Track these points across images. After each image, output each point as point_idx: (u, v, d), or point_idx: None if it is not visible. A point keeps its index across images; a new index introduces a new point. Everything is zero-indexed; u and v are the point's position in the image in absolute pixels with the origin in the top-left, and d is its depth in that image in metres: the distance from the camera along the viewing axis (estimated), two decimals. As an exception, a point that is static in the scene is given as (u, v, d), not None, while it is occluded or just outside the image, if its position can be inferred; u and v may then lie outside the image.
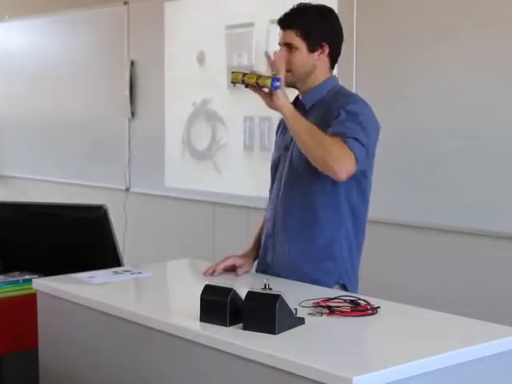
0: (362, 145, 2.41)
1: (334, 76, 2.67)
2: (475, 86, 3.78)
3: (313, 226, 2.54)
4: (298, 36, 2.53)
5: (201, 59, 5.30)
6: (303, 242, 2.56)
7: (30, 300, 2.62)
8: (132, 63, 5.80)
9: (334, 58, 2.62)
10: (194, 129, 5.41)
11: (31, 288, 2.63)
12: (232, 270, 2.64)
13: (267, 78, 2.39)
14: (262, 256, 2.70)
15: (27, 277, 2.84)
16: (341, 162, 2.36)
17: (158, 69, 5.60)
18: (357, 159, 2.39)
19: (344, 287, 2.55)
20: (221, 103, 5.20)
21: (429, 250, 4.03)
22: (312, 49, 2.55)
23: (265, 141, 4.85)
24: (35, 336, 2.55)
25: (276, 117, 4.83)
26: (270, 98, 2.40)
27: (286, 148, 2.61)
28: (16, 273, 2.90)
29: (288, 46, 2.55)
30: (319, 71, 2.58)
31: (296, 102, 2.63)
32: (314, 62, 2.56)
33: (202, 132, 5.33)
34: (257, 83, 2.40)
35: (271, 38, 4.68)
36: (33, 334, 2.56)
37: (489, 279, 3.80)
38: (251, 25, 4.88)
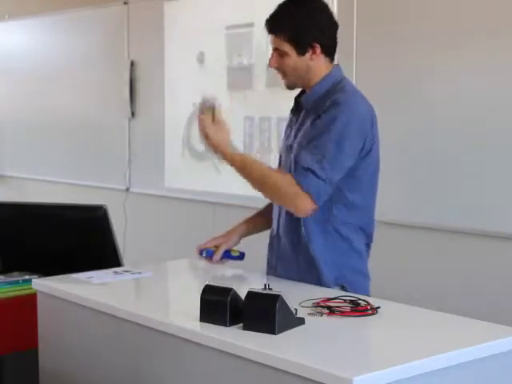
0: (318, 177, 2.33)
1: (336, 68, 2.55)
2: (475, 85, 3.78)
3: (301, 236, 2.51)
4: (285, 41, 2.44)
5: (201, 59, 5.30)
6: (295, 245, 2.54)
7: (30, 300, 2.62)
8: (132, 63, 5.80)
9: (330, 51, 2.51)
10: (193, 129, 5.40)
11: (31, 288, 2.62)
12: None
13: None
14: (270, 258, 2.67)
15: (27, 277, 2.84)
16: (296, 204, 2.38)
17: (158, 69, 5.60)
18: (312, 196, 2.35)
19: (343, 288, 2.52)
20: (221, 103, 5.19)
21: (429, 249, 4.03)
22: (302, 52, 2.45)
23: (265, 141, 4.85)
24: (35, 336, 2.55)
25: (276, 117, 4.86)
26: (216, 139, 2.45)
27: (288, 149, 2.57)
28: (16, 273, 2.90)
29: (278, 51, 2.47)
30: (315, 70, 2.48)
31: (297, 102, 2.60)
32: (306, 64, 2.47)
33: (202, 132, 5.32)
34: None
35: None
36: (33, 334, 2.55)
37: (489, 279, 3.80)
38: (251, 25, 4.88)
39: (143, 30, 5.73)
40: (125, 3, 5.83)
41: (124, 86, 5.80)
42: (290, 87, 2.55)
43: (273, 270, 2.64)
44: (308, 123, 2.48)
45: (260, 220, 2.80)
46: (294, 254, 2.54)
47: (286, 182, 2.37)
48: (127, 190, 5.91)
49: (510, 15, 3.64)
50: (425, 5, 3.98)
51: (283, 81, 2.55)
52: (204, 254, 2.68)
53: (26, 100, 6.89)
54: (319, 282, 2.48)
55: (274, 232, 2.64)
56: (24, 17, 6.80)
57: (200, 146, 5.36)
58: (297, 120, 2.58)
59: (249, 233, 2.79)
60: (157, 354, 2.11)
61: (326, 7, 2.51)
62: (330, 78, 2.51)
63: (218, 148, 2.45)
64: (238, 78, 5.05)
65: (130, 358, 2.21)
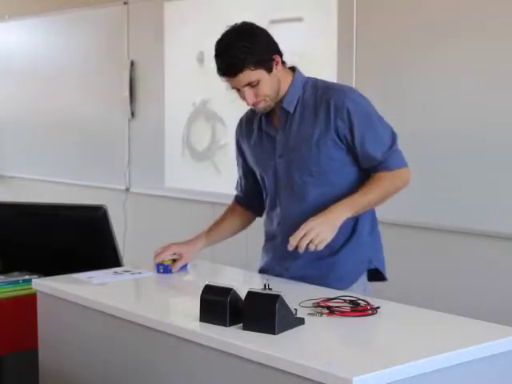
0: (393, 149, 2.54)
1: (294, 70, 2.62)
2: (475, 85, 3.78)
3: None
4: (252, 71, 2.46)
5: (201, 59, 5.30)
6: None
7: (30, 300, 2.62)
8: (132, 63, 5.80)
9: (282, 57, 2.57)
10: (193, 129, 5.41)
11: (31, 288, 2.63)
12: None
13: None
14: (280, 259, 2.64)
15: (27, 277, 2.84)
16: (405, 183, 2.58)
17: (158, 69, 5.59)
18: (404, 166, 2.56)
19: (376, 270, 2.62)
20: (220, 103, 5.19)
21: (429, 250, 4.03)
22: (270, 69, 2.50)
23: (265, 141, 4.85)
24: (35, 336, 2.55)
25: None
26: (326, 233, 2.40)
27: (281, 156, 2.59)
28: (16, 273, 2.90)
29: (249, 84, 2.49)
30: (283, 78, 2.56)
31: (267, 113, 2.62)
32: (277, 77, 2.53)
33: (202, 132, 5.33)
34: None
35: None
36: (33, 334, 2.56)
37: (489, 279, 3.80)
38: (251, 25, 4.88)
39: (143, 30, 5.73)
40: (125, 3, 5.83)
41: (124, 86, 5.80)
42: (267, 109, 2.59)
43: (283, 271, 2.62)
44: (303, 124, 2.55)
45: (218, 231, 2.88)
46: (342, 244, 2.57)
47: (392, 180, 2.54)
48: (127, 190, 5.91)
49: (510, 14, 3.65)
50: (425, 4, 3.98)
51: (259, 108, 2.57)
52: (161, 270, 2.67)
53: (26, 100, 6.89)
54: (361, 250, 2.58)
55: (279, 242, 2.63)
56: (24, 17, 6.80)
57: (200, 146, 5.37)
58: (272, 130, 2.62)
59: (206, 246, 2.86)
60: (157, 354, 2.11)
61: (254, 24, 2.56)
62: (297, 79, 2.59)
63: (336, 225, 2.44)
64: (238, 78, 5.05)
65: (130, 357, 2.21)
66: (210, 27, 5.20)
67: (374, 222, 2.66)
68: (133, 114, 5.81)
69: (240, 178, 2.85)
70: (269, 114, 2.64)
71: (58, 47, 6.53)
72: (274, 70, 2.51)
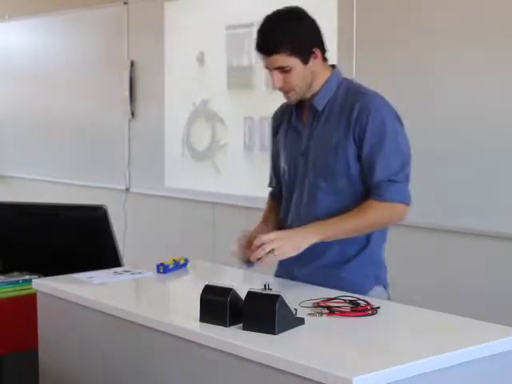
0: (396, 182, 2.40)
1: (334, 68, 2.57)
2: (476, 85, 3.78)
3: None
4: (288, 56, 2.41)
5: (201, 59, 5.30)
6: (339, 246, 2.47)
7: (30, 300, 2.62)
8: (132, 63, 5.80)
9: (324, 52, 2.52)
10: (193, 129, 5.41)
11: (31, 288, 2.63)
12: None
13: None
14: (287, 267, 2.56)
15: (27, 277, 2.84)
16: (399, 218, 2.45)
17: (158, 69, 5.60)
18: (404, 202, 2.42)
19: (384, 288, 2.53)
20: (220, 103, 5.20)
21: (429, 249, 4.03)
22: (306, 60, 2.44)
23: (265, 141, 4.85)
24: (35, 336, 2.55)
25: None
26: (289, 248, 2.31)
27: (303, 154, 2.54)
28: (16, 273, 2.89)
29: (281, 68, 2.43)
30: (319, 74, 2.49)
31: (297, 107, 2.56)
32: (311, 70, 2.46)
33: (202, 132, 5.33)
34: None
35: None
36: (33, 334, 2.56)
37: (489, 279, 3.80)
38: (251, 25, 4.87)
39: (143, 30, 5.73)
40: (125, 3, 5.83)
41: (124, 86, 5.80)
42: (295, 101, 2.53)
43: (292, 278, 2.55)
44: (328, 125, 2.48)
45: (274, 217, 2.72)
46: (340, 246, 2.47)
47: (379, 212, 2.40)
48: (127, 190, 5.91)
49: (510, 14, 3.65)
50: (425, 5, 3.98)
51: (288, 97, 2.52)
52: (161, 270, 2.64)
53: (26, 100, 6.89)
54: (374, 267, 2.51)
55: None
56: (24, 17, 6.80)
57: (200, 146, 5.37)
58: (301, 125, 2.56)
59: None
60: (157, 354, 2.11)
61: (307, 13, 2.51)
62: (334, 77, 2.54)
63: (302, 246, 2.34)
64: (238, 78, 5.05)
65: (130, 358, 2.21)
66: (210, 27, 5.22)
67: (385, 236, 2.57)
68: (133, 114, 5.82)
69: (271, 169, 2.76)
70: (300, 109, 2.57)
71: (58, 47, 6.53)
72: (310, 62, 2.45)
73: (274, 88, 2.51)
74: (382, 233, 2.54)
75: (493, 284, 3.78)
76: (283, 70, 2.43)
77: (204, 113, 5.32)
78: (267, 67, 2.47)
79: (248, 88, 4.97)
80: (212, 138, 5.27)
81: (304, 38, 2.44)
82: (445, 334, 2.01)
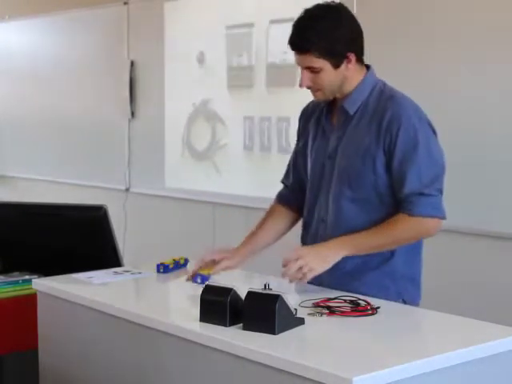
0: (429, 196, 2.30)
1: (369, 70, 2.46)
2: (476, 85, 3.78)
3: None
4: (318, 57, 2.31)
5: (201, 59, 5.30)
6: (362, 257, 2.38)
7: (30, 300, 2.62)
8: (132, 63, 5.80)
9: (361, 56, 2.42)
10: (193, 129, 5.41)
11: (31, 288, 2.63)
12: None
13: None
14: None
15: (27, 277, 2.83)
16: (429, 233, 2.37)
17: (158, 69, 5.60)
18: (437, 216, 2.32)
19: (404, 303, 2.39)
20: (221, 103, 5.20)
21: (429, 250, 4.01)
22: (337, 64, 2.34)
23: (265, 141, 4.85)
24: (35, 336, 2.55)
25: (276, 117, 4.86)
26: (316, 264, 2.25)
27: (330, 157, 2.45)
28: (16, 273, 2.89)
29: (310, 68, 2.34)
30: (352, 77, 2.39)
31: (328, 107, 2.48)
32: (343, 74, 2.36)
33: (202, 132, 5.33)
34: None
35: (271, 39, 4.69)
36: (33, 334, 2.55)
37: (489, 279, 3.79)
38: (251, 25, 4.88)
39: (143, 30, 5.73)
40: (125, 3, 5.83)
41: (124, 85, 5.80)
42: (322, 100, 2.45)
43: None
44: (358, 130, 2.39)
45: (262, 236, 2.64)
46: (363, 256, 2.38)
47: (409, 227, 2.32)
48: (127, 190, 5.91)
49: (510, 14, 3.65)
50: (425, 4, 3.98)
51: (316, 95, 2.43)
52: (162, 270, 2.62)
53: (26, 100, 6.89)
54: (393, 282, 2.40)
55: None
56: (24, 17, 6.80)
57: (200, 146, 5.37)
58: (330, 127, 2.48)
59: (252, 254, 2.63)
60: (157, 353, 2.11)
61: (349, 13, 2.41)
62: (368, 80, 2.44)
63: (330, 261, 2.29)
64: (238, 78, 5.05)
65: (130, 358, 2.21)
66: (210, 27, 5.22)
67: (415, 249, 2.46)
68: (133, 113, 5.82)
69: (291, 165, 2.66)
70: (331, 110, 2.48)
71: (58, 47, 6.53)
72: (342, 66, 2.35)
73: (301, 87, 2.41)
74: (412, 247, 2.43)
75: (493, 284, 3.78)
76: (313, 69, 2.34)
77: (204, 113, 5.32)
78: (298, 64, 2.38)
79: (248, 88, 4.98)
80: (212, 138, 5.27)
81: (338, 42, 2.33)
82: (445, 333, 2.01)
